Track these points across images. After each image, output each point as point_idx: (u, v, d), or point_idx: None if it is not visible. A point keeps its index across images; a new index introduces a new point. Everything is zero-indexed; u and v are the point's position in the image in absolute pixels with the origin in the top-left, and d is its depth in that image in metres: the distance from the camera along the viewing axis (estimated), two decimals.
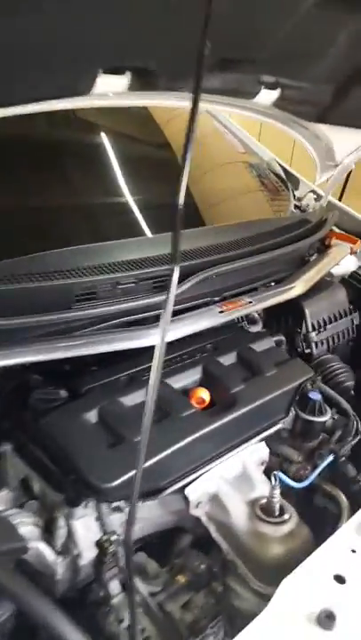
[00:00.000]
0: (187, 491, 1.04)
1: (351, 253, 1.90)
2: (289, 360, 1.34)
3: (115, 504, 1.00)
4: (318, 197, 2.11)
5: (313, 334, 1.55)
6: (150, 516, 1.05)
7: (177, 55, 1.02)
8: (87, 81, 1.00)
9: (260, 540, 1.01)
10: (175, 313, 1.21)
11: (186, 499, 1.04)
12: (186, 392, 1.16)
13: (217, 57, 1.09)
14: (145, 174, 1.73)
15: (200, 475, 1.06)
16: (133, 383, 1.12)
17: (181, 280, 1.22)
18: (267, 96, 1.34)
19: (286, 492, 1.12)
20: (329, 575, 0.84)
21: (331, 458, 1.19)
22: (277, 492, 1.03)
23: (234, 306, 1.29)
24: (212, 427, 1.08)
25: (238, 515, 1.05)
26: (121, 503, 1.01)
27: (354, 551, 0.89)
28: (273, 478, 1.04)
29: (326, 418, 1.25)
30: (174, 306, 1.22)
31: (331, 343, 1.62)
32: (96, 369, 1.16)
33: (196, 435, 1.06)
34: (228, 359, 1.26)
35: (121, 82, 1.04)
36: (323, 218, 1.85)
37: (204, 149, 2.16)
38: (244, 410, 1.14)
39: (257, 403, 1.16)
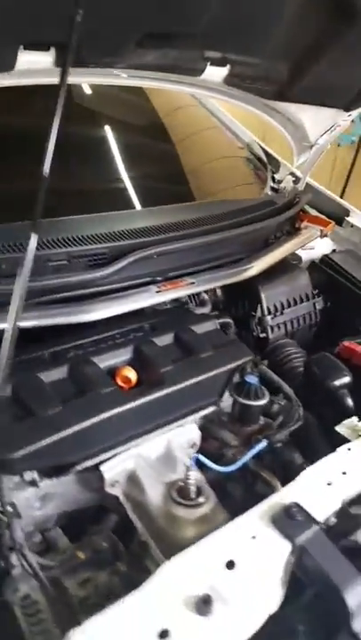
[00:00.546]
0: (102, 468, 1.04)
1: (321, 236, 1.86)
2: (229, 343, 1.32)
3: (29, 477, 1.01)
4: (297, 180, 2.07)
5: (268, 318, 1.52)
6: (67, 492, 1.06)
7: (99, 30, 1.00)
8: (8, 57, 0.98)
9: (174, 522, 1.00)
10: (111, 292, 1.21)
11: (101, 476, 1.05)
12: (112, 371, 1.16)
13: (145, 31, 1.06)
14: (129, 155, 1.72)
15: (117, 453, 1.06)
16: (55, 360, 1.12)
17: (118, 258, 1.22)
18: (215, 73, 1.31)
19: (228, 478, 1.12)
20: (221, 560, 0.83)
21: (264, 443, 1.18)
22: (193, 474, 1.02)
23: (173, 286, 1.27)
24: (130, 405, 1.08)
25: (154, 495, 1.04)
26: (36, 477, 1.02)
27: (254, 537, 0.88)
28: (189, 460, 1.03)
29: (263, 402, 1.22)
30: (110, 284, 1.23)
31: (289, 328, 1.59)
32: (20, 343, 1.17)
33: (113, 412, 1.05)
34: (163, 340, 1.25)
35: (45, 59, 1.03)
36: (293, 200, 1.81)
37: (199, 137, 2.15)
38: (168, 390, 1.13)
39: (184, 384, 1.15)
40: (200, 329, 1.32)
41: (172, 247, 1.30)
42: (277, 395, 1.31)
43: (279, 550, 0.86)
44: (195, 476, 1.02)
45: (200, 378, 1.18)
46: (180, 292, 1.29)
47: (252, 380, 1.23)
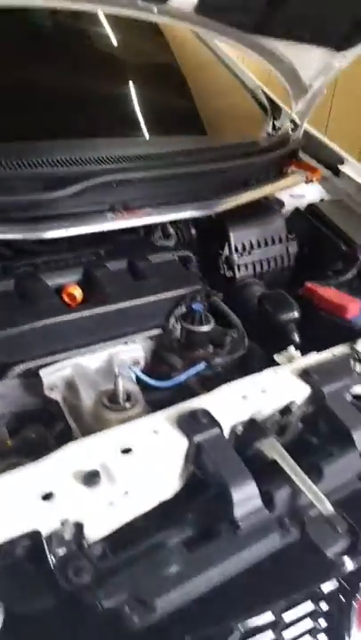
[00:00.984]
0: (41, 372, 1.13)
1: (307, 182, 1.85)
2: (182, 273, 1.37)
3: None
4: (295, 127, 2.05)
5: (235, 257, 1.55)
6: (10, 393, 1.15)
7: None
8: None
9: (102, 425, 1.08)
10: (67, 215, 1.27)
11: (41, 380, 1.14)
12: (60, 289, 1.23)
13: None
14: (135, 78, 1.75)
15: (57, 360, 1.14)
16: (4, 273, 1.20)
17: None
18: (184, 0, 1.31)
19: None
20: (118, 446, 0.90)
21: (202, 365, 1.23)
22: (121, 380, 1.09)
23: (130, 214, 1.32)
24: (71, 316, 1.15)
25: (87, 401, 1.13)
26: None
27: (156, 432, 0.95)
28: (117, 369, 1.10)
29: (206, 328, 1.28)
30: (66, 208, 1.29)
31: (258, 269, 1.61)
32: None
33: (54, 320, 1.13)
34: (116, 265, 1.31)
35: None
36: (279, 144, 1.80)
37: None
38: (112, 307, 1.20)
39: (129, 303, 1.21)
40: (156, 259, 1.37)
41: (133, 176, 1.34)
42: (232, 327, 1.37)
43: (176, 445, 0.93)
44: (123, 382, 1.11)
45: (146, 300, 1.24)
46: (137, 220, 1.33)
47: (198, 307, 1.29)
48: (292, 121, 2.06)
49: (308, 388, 1.10)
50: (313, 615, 0.86)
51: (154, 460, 0.90)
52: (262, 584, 0.83)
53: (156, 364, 1.32)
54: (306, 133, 2.09)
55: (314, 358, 1.20)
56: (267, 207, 1.70)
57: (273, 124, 2.10)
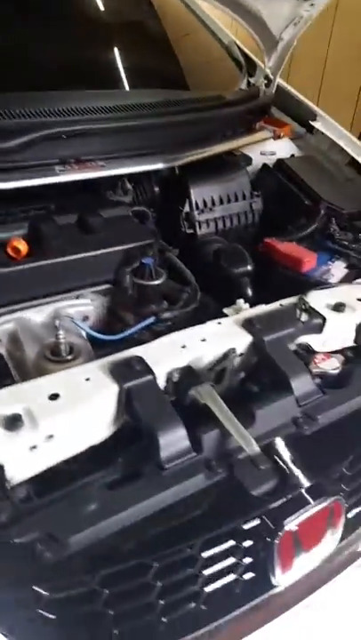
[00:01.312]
0: None
1: (275, 138, 1.82)
2: (135, 228, 1.35)
3: None
4: (269, 83, 2.00)
5: (195, 213, 1.53)
6: None
7: None
8: None
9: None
10: (13, 169, 1.26)
11: None
12: (4, 243, 1.21)
13: None
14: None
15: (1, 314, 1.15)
16: None
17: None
18: None
19: None
20: (46, 393, 0.91)
21: (151, 319, 1.23)
22: (62, 333, 1.10)
23: (80, 167, 1.30)
24: (14, 268, 1.14)
25: (31, 354, 1.13)
26: None
27: (88, 379, 0.95)
28: (58, 321, 1.10)
29: (157, 282, 1.27)
30: (14, 161, 1.28)
31: (220, 226, 1.59)
32: None
33: None
34: (66, 219, 1.29)
35: None
36: (246, 98, 1.75)
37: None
38: (55, 261, 1.18)
39: (76, 256, 1.20)
40: (108, 213, 1.35)
41: (84, 128, 1.31)
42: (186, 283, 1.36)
43: (106, 392, 0.93)
44: (65, 335, 1.11)
45: (94, 253, 1.23)
46: (87, 174, 1.31)
47: (148, 261, 1.27)
48: (266, 76, 2.02)
49: (250, 336, 1.10)
50: (235, 552, 0.87)
51: (82, 405, 0.90)
52: (183, 522, 0.84)
53: (112, 320, 1.33)
54: (280, 89, 2.05)
55: (260, 309, 1.19)
56: (231, 163, 1.67)
57: (248, 81, 2.06)
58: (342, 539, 0.97)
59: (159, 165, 1.44)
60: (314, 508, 0.88)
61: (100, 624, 0.78)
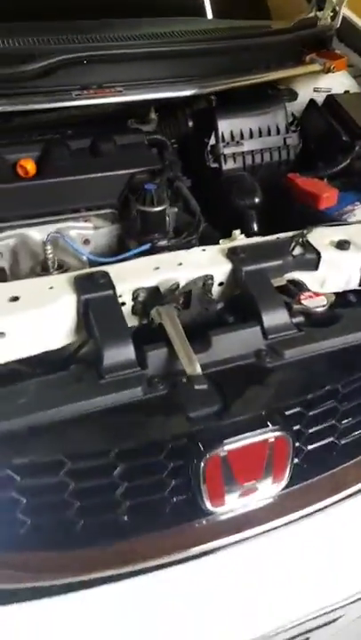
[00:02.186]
0: None
1: (325, 71, 1.65)
2: (145, 154, 1.31)
3: None
4: (335, 16, 1.82)
5: (221, 146, 1.46)
6: None
7: None
8: None
9: None
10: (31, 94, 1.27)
11: None
12: (15, 163, 1.24)
13: None
14: None
15: (3, 229, 1.18)
16: None
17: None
18: None
19: None
20: (7, 296, 0.94)
21: (147, 246, 1.20)
22: (50, 248, 1.12)
23: (98, 93, 1.28)
24: (14, 185, 1.17)
25: (25, 269, 1.18)
26: None
27: (51, 288, 0.96)
28: (47, 236, 1.12)
29: (159, 209, 1.23)
30: (34, 87, 1.30)
31: (249, 161, 1.50)
32: None
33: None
34: (79, 144, 1.29)
35: None
36: (295, 28, 1.61)
37: None
38: (57, 180, 1.20)
39: (75, 177, 1.21)
40: (122, 140, 1.33)
41: (106, 53, 1.30)
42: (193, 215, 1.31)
43: (65, 300, 0.95)
44: (52, 250, 1.13)
45: (97, 175, 1.23)
46: (104, 99, 1.30)
47: (150, 187, 1.24)
48: (333, 9, 1.84)
49: (230, 265, 1.05)
50: (160, 468, 0.86)
51: (37, 310, 0.92)
52: (108, 429, 0.84)
53: (114, 246, 1.33)
54: (347, 22, 1.86)
55: (253, 240, 1.13)
56: (270, 96, 1.56)
57: (316, 15, 1.90)
58: (290, 485, 0.92)
59: (184, 93, 1.39)
60: (250, 439, 0.84)
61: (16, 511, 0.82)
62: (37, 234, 1.24)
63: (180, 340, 0.91)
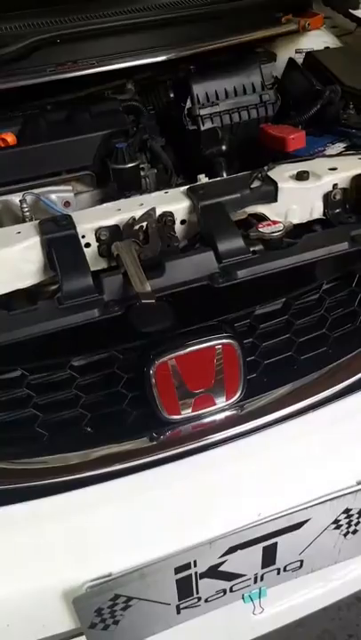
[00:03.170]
0: None
1: (301, 30, 1.67)
2: (118, 118, 1.37)
3: None
4: None
5: (197, 107, 1.51)
6: None
7: None
8: None
9: None
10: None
11: None
12: None
13: None
14: None
15: None
16: None
17: None
18: None
19: None
20: None
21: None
22: (25, 206, 1.19)
23: (73, 67, 1.37)
24: None
25: None
26: None
27: (19, 232, 1.05)
28: (22, 195, 1.21)
29: (131, 165, 1.29)
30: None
31: (227, 121, 1.53)
32: None
33: None
34: (56, 116, 1.38)
35: None
36: None
37: None
38: (33, 146, 1.27)
39: (51, 142, 1.27)
40: (98, 108, 1.40)
41: (78, 30, 1.38)
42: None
43: (29, 241, 1.02)
44: (28, 208, 1.21)
45: (71, 139, 1.29)
46: (75, 72, 1.38)
47: (122, 145, 1.31)
48: None
49: (188, 201, 1.09)
50: (114, 380, 0.91)
51: (6, 250, 1.00)
52: (67, 346, 0.90)
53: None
54: None
55: (213, 180, 1.17)
56: (244, 58, 1.60)
57: None
58: (244, 399, 0.95)
59: (157, 58, 1.46)
60: (197, 345, 0.88)
61: None
62: (18, 199, 1.35)
63: (133, 265, 0.96)
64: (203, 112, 1.53)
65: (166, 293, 0.95)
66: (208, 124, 1.55)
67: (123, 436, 0.92)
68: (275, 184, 1.11)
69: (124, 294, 0.97)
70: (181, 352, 0.88)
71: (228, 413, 0.94)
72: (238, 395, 0.94)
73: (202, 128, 1.54)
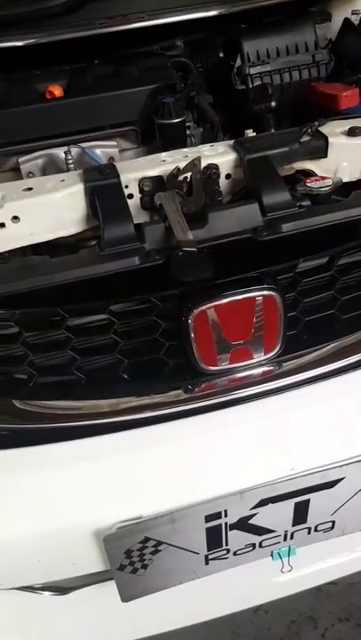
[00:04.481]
0: (20, 160, 1.28)
1: None
2: (166, 73, 1.34)
3: None
4: None
5: (246, 66, 1.46)
6: None
7: None
8: None
9: None
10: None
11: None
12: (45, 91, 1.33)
13: None
14: None
15: (33, 149, 1.27)
16: None
17: None
18: None
19: None
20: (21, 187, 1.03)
21: None
22: (70, 157, 1.19)
23: (123, 21, 1.34)
24: (40, 105, 1.26)
25: None
26: None
27: (63, 180, 1.05)
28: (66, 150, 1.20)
29: (177, 120, 1.27)
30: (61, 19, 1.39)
31: (278, 80, 1.49)
32: None
33: (25, 108, 1.25)
34: (104, 70, 1.37)
35: None
36: None
37: None
38: (77, 99, 1.26)
39: (96, 96, 1.26)
40: (146, 63, 1.38)
41: None
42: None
43: (73, 189, 1.01)
44: (72, 160, 1.21)
45: (117, 92, 1.28)
46: (125, 25, 1.35)
47: (168, 100, 1.29)
48: None
49: (234, 154, 1.06)
50: (154, 328, 0.91)
51: (46, 196, 1.00)
52: (106, 292, 0.90)
53: None
54: None
55: (263, 134, 1.13)
56: (298, 16, 1.54)
57: None
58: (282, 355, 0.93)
59: (208, 13, 1.42)
60: (235, 295, 0.86)
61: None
62: (63, 153, 1.35)
63: (176, 215, 0.95)
64: (252, 71, 1.49)
65: (208, 245, 0.94)
66: (258, 84, 1.52)
67: (158, 385, 0.93)
68: (325, 138, 1.07)
69: (166, 244, 0.96)
70: (221, 302, 0.86)
71: (265, 369, 0.93)
72: (277, 350, 0.92)
73: (250, 87, 1.52)
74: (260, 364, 0.92)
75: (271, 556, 1.00)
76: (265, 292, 0.87)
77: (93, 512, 0.86)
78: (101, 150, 1.36)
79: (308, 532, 0.99)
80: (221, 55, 1.61)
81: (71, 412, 0.91)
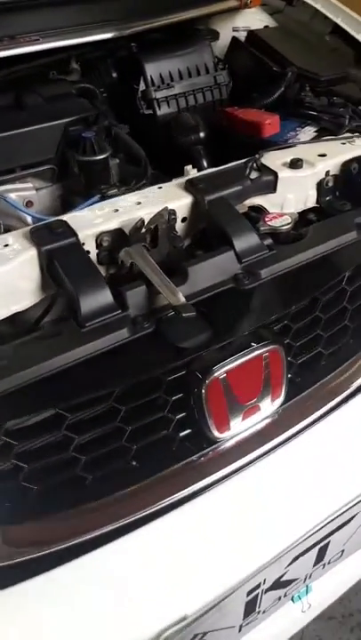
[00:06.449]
0: None
1: (241, 7, 1.64)
2: (76, 103, 1.24)
3: None
4: None
5: (152, 90, 1.41)
6: None
7: None
8: None
9: None
10: None
11: None
12: None
13: None
14: None
15: None
16: None
17: None
18: None
19: None
20: None
21: (96, 198, 1.14)
22: None
23: (12, 43, 1.20)
24: None
25: None
26: None
27: (7, 245, 0.91)
28: None
29: (102, 157, 1.17)
30: None
31: (183, 104, 1.46)
32: None
33: None
34: (2, 100, 1.22)
35: None
36: None
37: None
38: None
39: (3, 134, 1.11)
40: (47, 91, 1.24)
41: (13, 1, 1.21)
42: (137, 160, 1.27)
43: (24, 256, 0.87)
44: None
45: (27, 129, 1.14)
46: (18, 49, 1.21)
47: (89, 134, 1.19)
48: None
49: (190, 197, 1.02)
50: (162, 405, 0.84)
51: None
52: (101, 373, 0.80)
53: (60, 205, 1.26)
54: None
55: (207, 171, 1.10)
56: (191, 36, 1.52)
57: None
58: (288, 399, 0.92)
59: (103, 36, 1.33)
60: (245, 356, 0.83)
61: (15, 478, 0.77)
62: None
63: (157, 275, 0.87)
64: (158, 95, 1.43)
65: (195, 301, 0.88)
66: (165, 109, 1.45)
67: (170, 464, 0.85)
68: (275, 174, 1.07)
69: (150, 307, 0.88)
70: (231, 365, 0.82)
71: (274, 419, 0.90)
72: (282, 399, 0.91)
73: (158, 113, 1.45)
74: (268, 418, 0.90)
75: (292, 600, 1.00)
76: (271, 346, 0.85)
77: (134, 629, 0.76)
78: (17, 194, 1.21)
79: (323, 567, 1.01)
80: (114, 75, 1.54)
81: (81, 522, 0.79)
